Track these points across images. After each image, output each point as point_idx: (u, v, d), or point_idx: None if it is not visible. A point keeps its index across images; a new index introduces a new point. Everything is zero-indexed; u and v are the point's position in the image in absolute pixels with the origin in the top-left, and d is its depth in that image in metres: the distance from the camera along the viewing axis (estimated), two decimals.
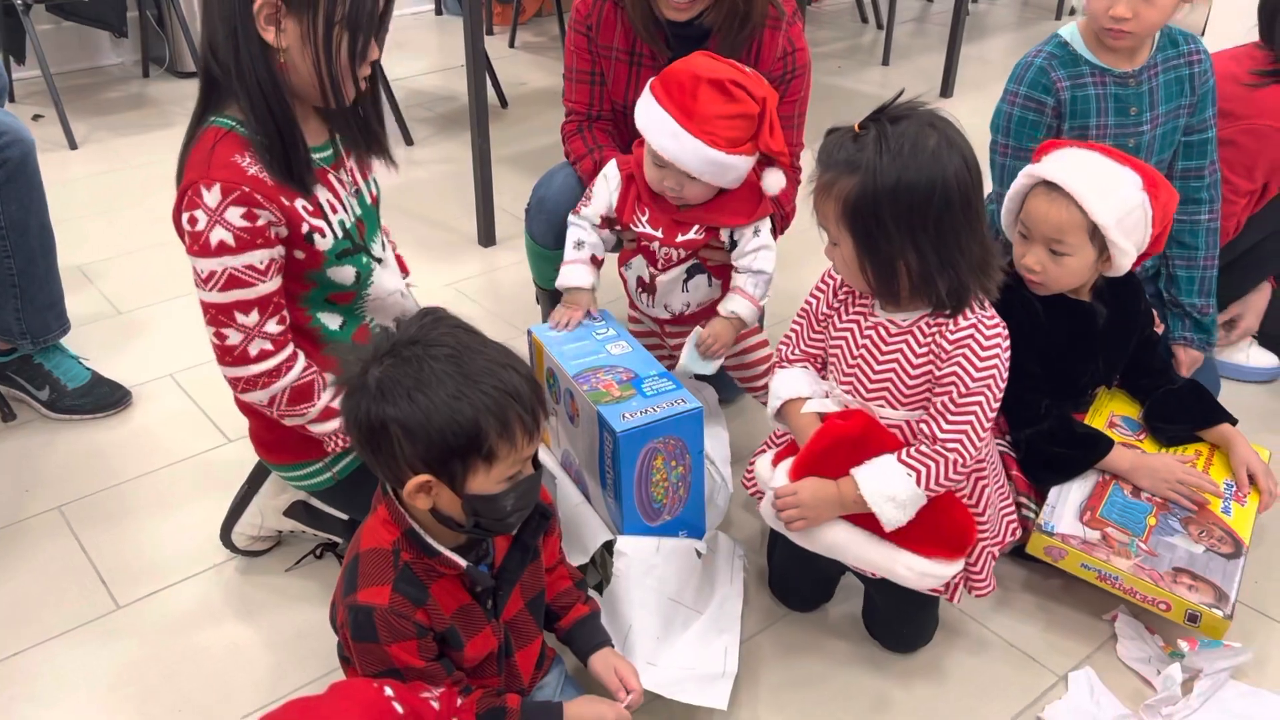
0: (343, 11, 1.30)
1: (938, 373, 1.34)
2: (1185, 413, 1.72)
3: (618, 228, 1.76)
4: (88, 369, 2.13)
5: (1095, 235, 1.51)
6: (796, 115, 1.90)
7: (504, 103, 3.76)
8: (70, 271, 2.30)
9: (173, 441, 2.01)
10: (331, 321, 1.52)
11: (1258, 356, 2.21)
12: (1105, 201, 1.49)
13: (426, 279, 2.39)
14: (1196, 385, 1.76)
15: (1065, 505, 1.57)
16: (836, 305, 1.46)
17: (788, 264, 1.98)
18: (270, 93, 1.32)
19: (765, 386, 1.57)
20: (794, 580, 1.63)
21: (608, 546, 1.50)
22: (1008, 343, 1.34)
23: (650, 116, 1.58)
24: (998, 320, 1.34)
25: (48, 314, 2.07)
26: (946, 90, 3.94)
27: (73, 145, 3.39)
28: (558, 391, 1.60)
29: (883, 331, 1.39)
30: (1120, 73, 1.79)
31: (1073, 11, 5.08)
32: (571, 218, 1.76)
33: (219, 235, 1.32)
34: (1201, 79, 1.84)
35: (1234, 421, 1.70)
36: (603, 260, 1.77)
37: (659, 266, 1.74)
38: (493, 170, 2.73)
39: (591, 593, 1.46)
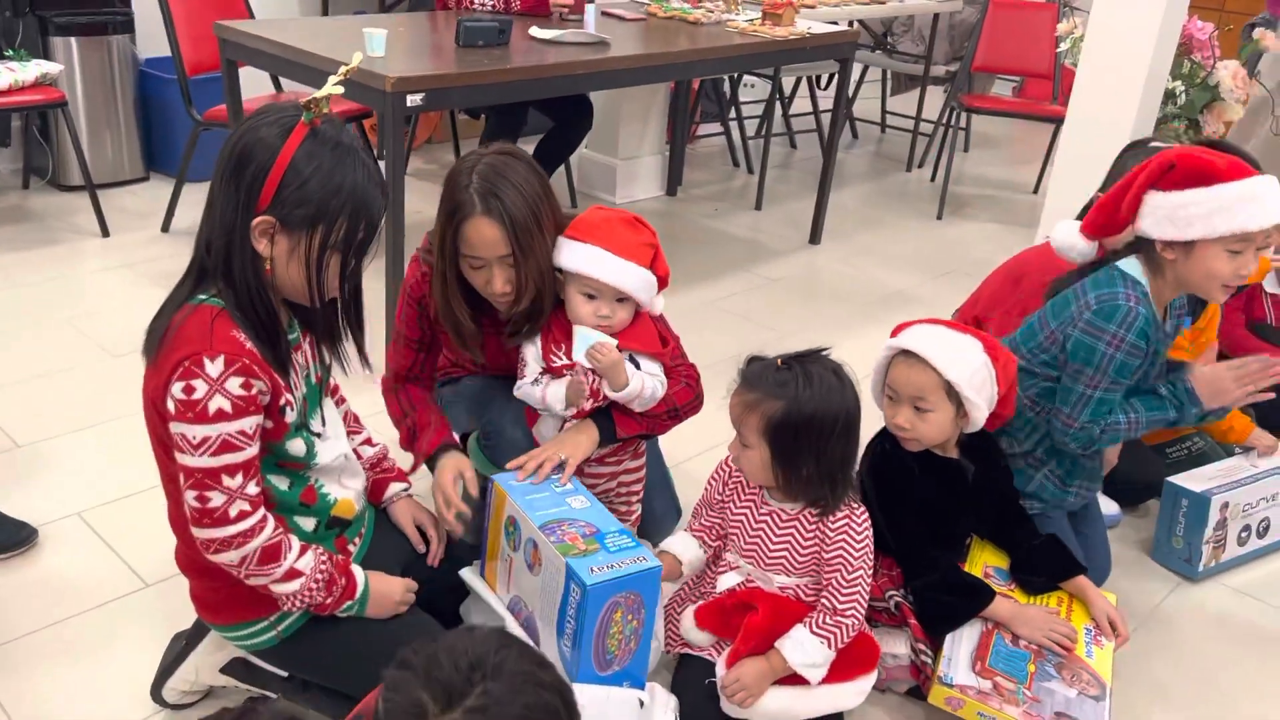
0: (336, 239, 1.44)
1: (825, 554, 1.70)
2: (1046, 566, 1.96)
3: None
4: None
5: (951, 393, 1.78)
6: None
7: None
8: None
9: (85, 587, 1.98)
10: (280, 483, 1.59)
11: (1102, 505, 2.50)
12: (955, 363, 1.77)
13: None
14: (1055, 540, 2.00)
15: (959, 656, 1.76)
16: (729, 494, 1.80)
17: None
18: (255, 293, 1.45)
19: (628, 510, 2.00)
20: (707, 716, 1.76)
21: None
22: (870, 525, 1.70)
23: (582, 255, 1.80)
24: (863, 509, 1.72)
25: None
26: (815, 238, 4.27)
27: None
28: (517, 539, 1.71)
29: (775, 519, 1.74)
30: (1161, 325, 1.95)
31: (921, 164, 5.58)
32: (521, 392, 1.91)
33: (218, 403, 1.40)
34: (1178, 330, 2.10)
35: (1085, 571, 1.95)
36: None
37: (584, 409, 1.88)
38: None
39: None
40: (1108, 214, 1.89)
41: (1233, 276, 1.81)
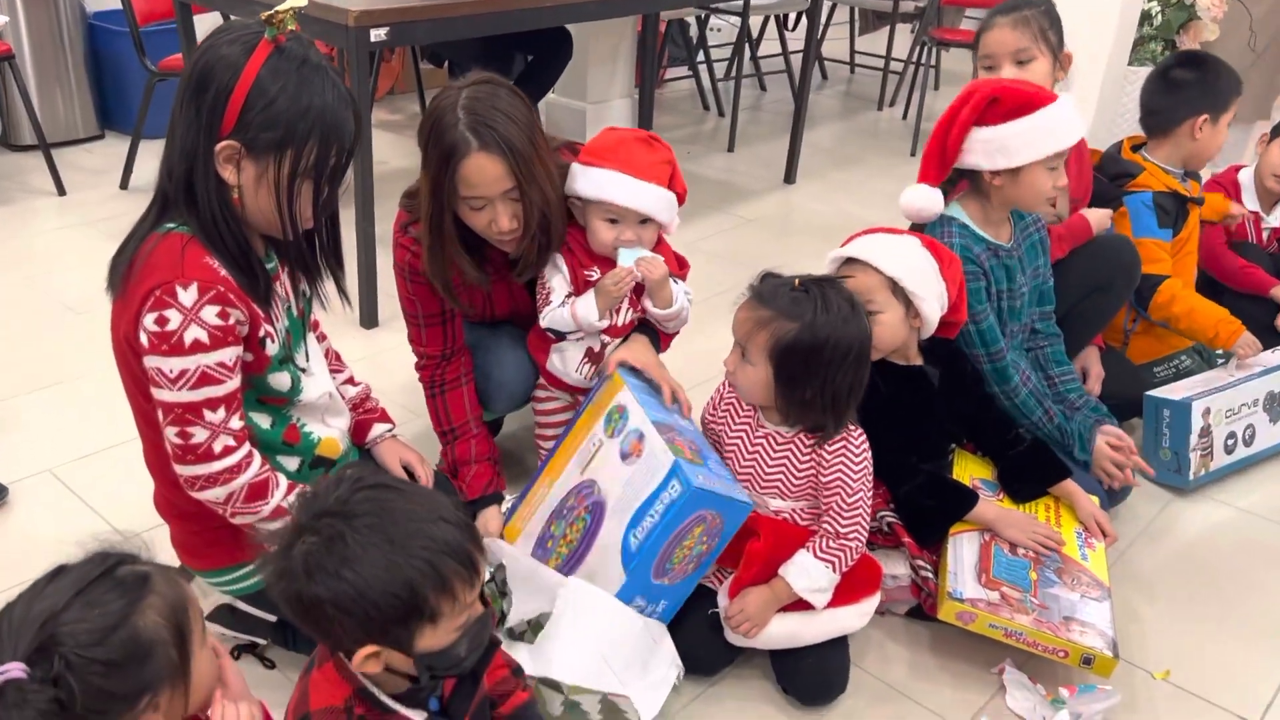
0: (306, 164, 1.36)
1: (823, 478, 1.66)
2: (1033, 472, 1.95)
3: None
4: None
5: (897, 290, 1.77)
6: None
7: None
8: None
9: (61, 543, 1.91)
10: (262, 421, 1.53)
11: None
12: (894, 260, 1.78)
13: None
14: (1038, 444, 1.98)
15: (964, 570, 1.74)
16: (723, 417, 1.77)
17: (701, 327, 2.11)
18: (223, 223, 1.37)
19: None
20: (700, 650, 1.71)
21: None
22: (868, 447, 1.67)
23: (600, 180, 1.75)
24: (860, 431, 1.67)
25: None
26: (790, 177, 4.22)
27: None
28: (620, 426, 1.68)
29: (771, 442, 1.71)
30: (1006, 246, 2.04)
31: (893, 103, 5.53)
32: (549, 318, 1.86)
33: (194, 334, 1.33)
34: (1044, 241, 2.14)
35: (1070, 474, 1.95)
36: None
37: (619, 325, 1.88)
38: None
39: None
40: (936, 160, 1.98)
41: (1052, 189, 1.96)
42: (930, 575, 1.79)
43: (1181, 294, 2.40)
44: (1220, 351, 2.49)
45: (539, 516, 1.76)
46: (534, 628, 1.57)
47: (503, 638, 1.52)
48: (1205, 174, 2.78)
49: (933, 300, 1.79)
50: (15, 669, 0.92)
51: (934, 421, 1.91)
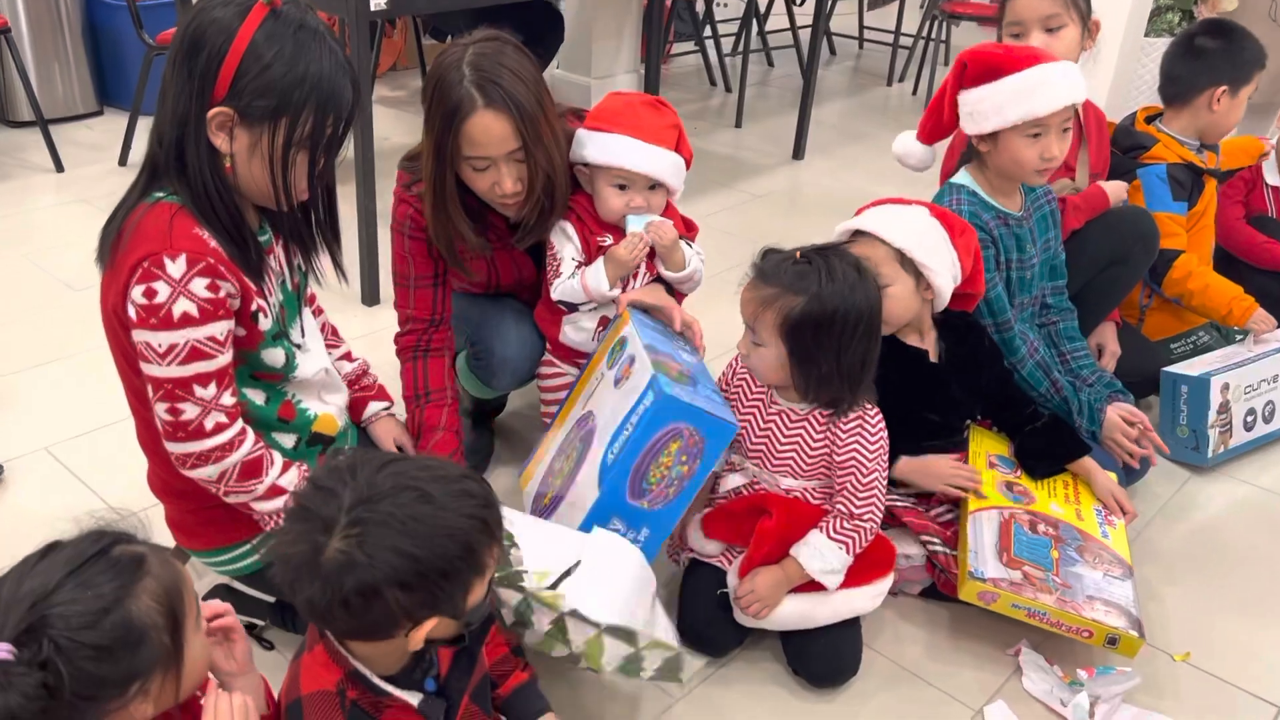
0: (302, 134, 1.31)
1: (837, 457, 1.61)
2: (1050, 449, 1.91)
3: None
4: None
5: (906, 262, 1.71)
6: None
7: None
8: None
9: (56, 521, 1.88)
10: (257, 397, 1.49)
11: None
12: (902, 230, 1.72)
13: None
14: (1056, 420, 1.93)
15: (984, 549, 1.69)
16: (734, 393, 1.71)
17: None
18: (215, 192, 1.32)
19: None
20: (709, 630, 1.68)
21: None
22: (884, 425, 1.61)
23: (609, 145, 1.72)
24: (876, 409, 1.62)
25: None
26: (798, 153, 4.16)
27: None
28: (618, 358, 1.66)
29: (784, 419, 1.65)
30: (1016, 215, 1.98)
31: (902, 78, 5.45)
32: (560, 290, 1.82)
33: (183, 307, 1.28)
34: (1055, 214, 2.08)
35: (1089, 451, 1.90)
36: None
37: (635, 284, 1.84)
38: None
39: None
40: (934, 118, 1.98)
41: (1039, 160, 1.86)
42: (940, 548, 1.75)
43: (1197, 270, 2.34)
44: (1238, 329, 2.44)
45: (546, 460, 1.74)
46: (567, 575, 1.51)
47: (542, 588, 1.41)
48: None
49: (944, 271, 1.74)
50: (2, 650, 0.88)
51: (945, 401, 1.85)
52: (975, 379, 1.88)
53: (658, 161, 1.73)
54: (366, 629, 1.07)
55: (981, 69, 1.86)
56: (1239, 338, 2.45)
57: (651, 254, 1.83)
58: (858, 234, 1.76)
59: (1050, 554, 1.71)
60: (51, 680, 0.88)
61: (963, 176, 1.98)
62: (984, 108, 1.85)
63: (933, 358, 1.83)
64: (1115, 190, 2.27)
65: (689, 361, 1.68)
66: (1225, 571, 1.97)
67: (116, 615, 0.93)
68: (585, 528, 1.54)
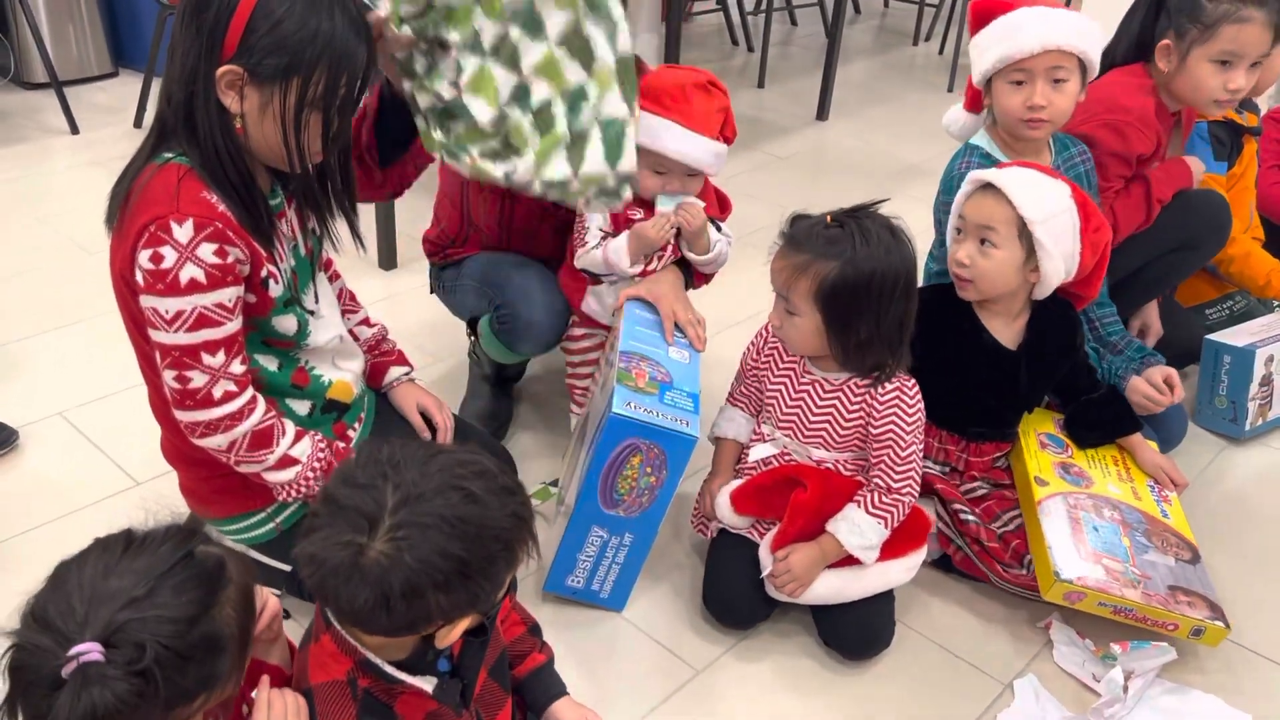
0: (314, 94, 1.26)
1: (873, 429, 1.56)
2: (1100, 421, 1.85)
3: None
4: None
5: (1024, 234, 1.60)
6: None
7: None
8: None
9: (71, 487, 1.87)
10: (269, 364, 1.45)
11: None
12: (1033, 199, 1.60)
13: None
14: (1113, 392, 1.87)
15: (1063, 545, 1.61)
16: (765, 361, 1.66)
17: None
18: (225, 153, 1.28)
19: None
20: (738, 603, 1.65)
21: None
22: (921, 397, 1.57)
23: (654, 127, 1.66)
24: (913, 380, 1.57)
25: None
26: (822, 114, 4.08)
27: None
28: (610, 360, 1.66)
29: (818, 388, 1.60)
30: None
31: (929, 37, 5.34)
32: (583, 259, 1.78)
33: (190, 273, 1.25)
34: (1090, 174, 1.99)
35: (1140, 429, 1.84)
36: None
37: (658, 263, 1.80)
38: None
39: None
40: (973, 84, 1.92)
41: (1023, 109, 1.79)
42: (971, 518, 1.70)
43: (1240, 237, 2.26)
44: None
45: (571, 447, 1.77)
46: None
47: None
48: (1263, 106, 2.62)
49: (1058, 258, 1.61)
50: (95, 650, 0.85)
51: (1009, 391, 1.75)
52: (1050, 371, 1.78)
53: (700, 150, 1.68)
54: (399, 628, 1.03)
55: (975, 17, 1.84)
56: (1277, 305, 2.39)
57: (678, 233, 1.78)
58: (987, 187, 1.64)
59: (1122, 541, 1.65)
60: (148, 688, 0.86)
61: (979, 137, 1.91)
62: (974, 54, 1.84)
63: (1012, 345, 1.72)
64: (1199, 166, 2.17)
65: (672, 361, 1.64)
66: (1261, 543, 1.92)
67: (205, 625, 0.91)
68: (575, 535, 1.57)
